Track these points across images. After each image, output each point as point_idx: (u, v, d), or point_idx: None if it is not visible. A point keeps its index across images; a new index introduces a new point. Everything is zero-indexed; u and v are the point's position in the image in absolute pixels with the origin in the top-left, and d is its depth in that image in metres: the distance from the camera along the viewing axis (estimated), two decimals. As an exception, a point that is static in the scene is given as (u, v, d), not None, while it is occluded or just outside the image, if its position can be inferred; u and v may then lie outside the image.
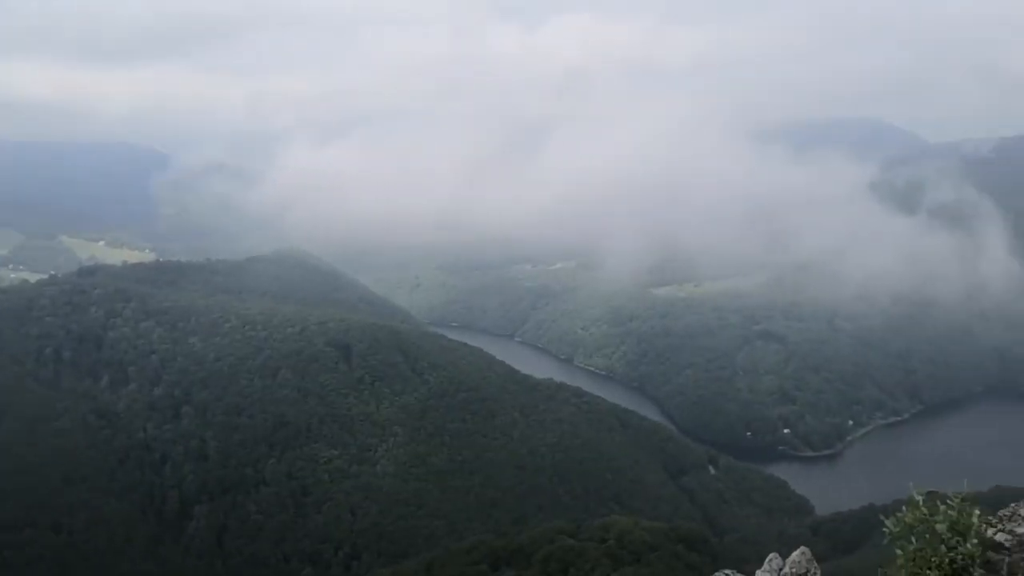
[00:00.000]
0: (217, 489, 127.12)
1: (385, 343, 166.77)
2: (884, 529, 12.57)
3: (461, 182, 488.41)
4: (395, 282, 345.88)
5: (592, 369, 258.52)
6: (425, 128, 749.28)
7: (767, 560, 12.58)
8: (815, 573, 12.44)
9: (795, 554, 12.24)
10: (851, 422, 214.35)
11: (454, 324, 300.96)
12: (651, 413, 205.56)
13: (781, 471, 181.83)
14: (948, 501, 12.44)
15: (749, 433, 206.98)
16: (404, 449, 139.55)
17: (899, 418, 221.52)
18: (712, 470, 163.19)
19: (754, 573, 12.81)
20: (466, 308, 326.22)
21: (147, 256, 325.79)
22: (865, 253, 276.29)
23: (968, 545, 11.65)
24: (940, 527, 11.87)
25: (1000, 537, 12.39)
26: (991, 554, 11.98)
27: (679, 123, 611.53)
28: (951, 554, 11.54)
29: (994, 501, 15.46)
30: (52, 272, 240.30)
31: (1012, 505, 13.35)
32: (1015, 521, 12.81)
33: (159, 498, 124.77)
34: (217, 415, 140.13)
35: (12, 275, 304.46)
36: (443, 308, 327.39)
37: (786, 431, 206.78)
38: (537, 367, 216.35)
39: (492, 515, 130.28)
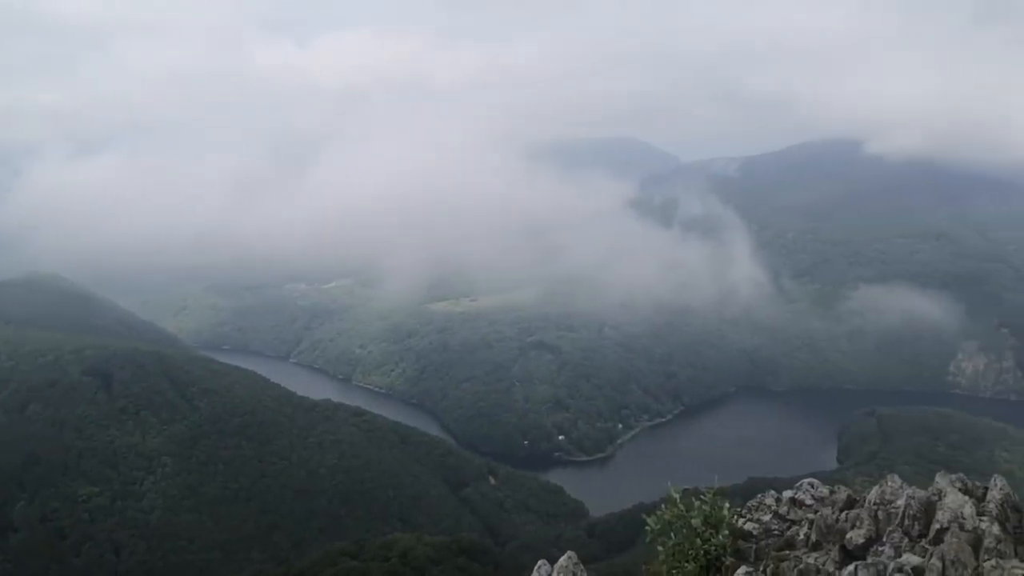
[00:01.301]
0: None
1: (150, 369, 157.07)
2: (646, 527, 13.31)
3: (229, 199, 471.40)
4: (160, 305, 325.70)
5: (371, 387, 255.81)
6: (189, 143, 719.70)
7: (536, 568, 12.91)
8: (582, 576, 12.90)
9: (562, 559, 12.64)
10: (620, 426, 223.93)
11: (225, 347, 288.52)
12: (431, 428, 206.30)
13: (557, 477, 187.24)
14: (702, 496, 13.34)
15: (526, 442, 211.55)
16: (174, 480, 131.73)
17: (663, 419, 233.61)
18: (492, 480, 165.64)
19: (527, 580, 13.11)
20: (237, 330, 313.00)
21: None
22: (628, 265, 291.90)
23: (720, 537, 12.53)
24: (695, 522, 12.69)
25: (749, 526, 13.37)
26: (741, 543, 12.91)
27: (454, 141, 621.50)
28: (705, 546, 12.35)
29: (747, 492, 16.63)
30: None
31: (759, 496, 14.47)
32: (761, 511, 13.88)
33: None
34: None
35: None
36: (213, 331, 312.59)
37: (561, 438, 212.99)
38: (314, 388, 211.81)
39: (272, 542, 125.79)
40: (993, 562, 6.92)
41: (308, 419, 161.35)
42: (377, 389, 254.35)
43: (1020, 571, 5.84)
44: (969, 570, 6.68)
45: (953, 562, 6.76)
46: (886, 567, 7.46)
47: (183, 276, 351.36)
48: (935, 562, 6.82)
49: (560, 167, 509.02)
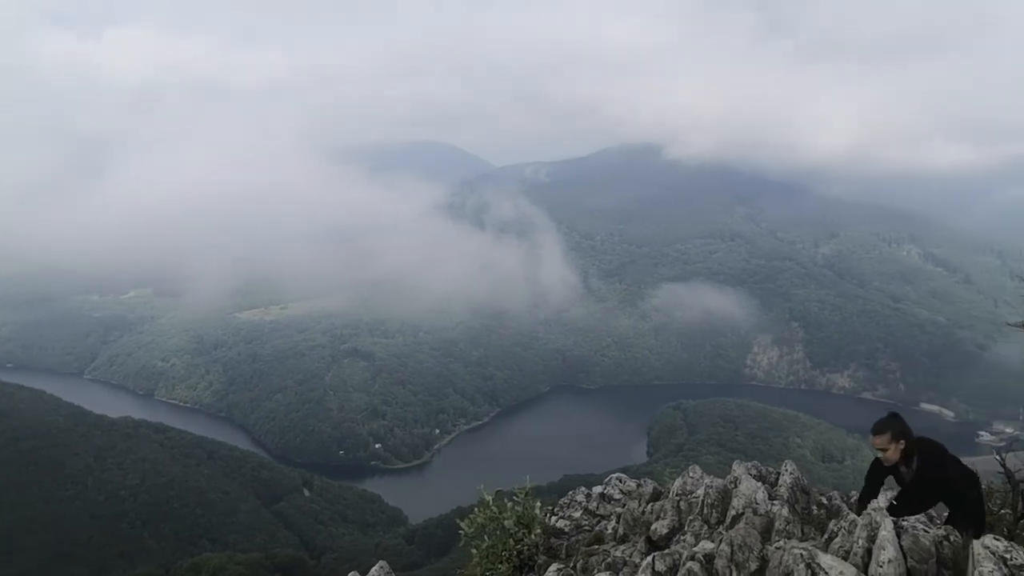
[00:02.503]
0: None
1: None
2: (460, 531, 13.26)
3: (12, 204, 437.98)
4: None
5: (176, 402, 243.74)
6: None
7: (346, 580, 12.64)
8: (396, 583, 12.71)
9: (374, 569, 12.39)
10: (437, 431, 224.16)
11: (9, 365, 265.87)
12: (242, 442, 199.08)
13: (374, 486, 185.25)
14: (515, 497, 13.43)
15: (342, 451, 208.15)
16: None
17: (480, 422, 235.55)
18: (307, 493, 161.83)
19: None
20: (22, 347, 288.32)
21: None
22: (441, 269, 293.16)
23: (532, 536, 12.63)
24: (508, 523, 12.74)
25: (561, 524, 13.56)
26: (553, 540, 13.07)
27: (260, 143, 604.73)
28: (518, 546, 12.42)
29: (563, 490, 16.89)
30: None
31: (570, 493, 14.72)
32: (572, 508, 14.11)
33: None
34: None
35: None
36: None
37: (377, 446, 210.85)
38: (113, 406, 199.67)
39: (67, 572, 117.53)
40: (780, 542, 7.27)
41: (106, 439, 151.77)
42: (183, 404, 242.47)
43: (798, 550, 6.16)
44: (755, 552, 7.00)
45: (741, 546, 7.06)
46: (681, 555, 7.70)
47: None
48: (724, 547, 7.14)
49: (371, 171, 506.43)
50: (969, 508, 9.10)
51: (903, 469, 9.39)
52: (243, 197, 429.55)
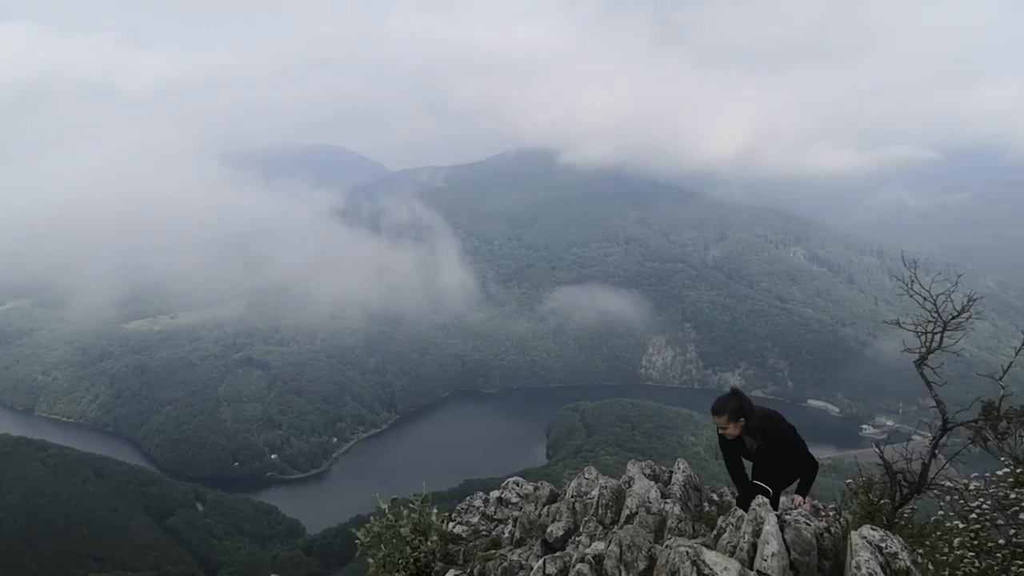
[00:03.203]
0: None
1: None
2: (356, 541, 13.10)
3: None
4: None
5: (59, 417, 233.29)
6: None
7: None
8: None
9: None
10: (335, 439, 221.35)
11: None
12: (131, 456, 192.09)
13: (271, 497, 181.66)
14: (411, 504, 13.34)
15: (237, 463, 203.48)
16: None
17: (379, 430, 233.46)
18: (200, 507, 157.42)
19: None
20: None
21: None
22: (337, 275, 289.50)
23: (429, 543, 12.58)
24: (404, 530, 12.66)
25: (458, 529, 13.52)
26: (451, 546, 13.03)
27: (150, 147, 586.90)
28: (415, 553, 12.35)
29: (463, 495, 16.85)
30: None
31: (468, 498, 14.71)
32: (470, 513, 14.10)
33: None
34: None
35: None
36: None
37: (273, 456, 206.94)
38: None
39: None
40: (671, 540, 7.43)
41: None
42: (66, 419, 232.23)
43: (684, 547, 6.33)
44: (644, 552, 7.15)
45: (629, 546, 7.20)
46: (572, 557, 7.79)
47: None
48: (613, 548, 7.29)
49: (263, 175, 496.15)
50: (807, 470, 10.11)
51: (749, 441, 9.91)
52: (132, 202, 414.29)
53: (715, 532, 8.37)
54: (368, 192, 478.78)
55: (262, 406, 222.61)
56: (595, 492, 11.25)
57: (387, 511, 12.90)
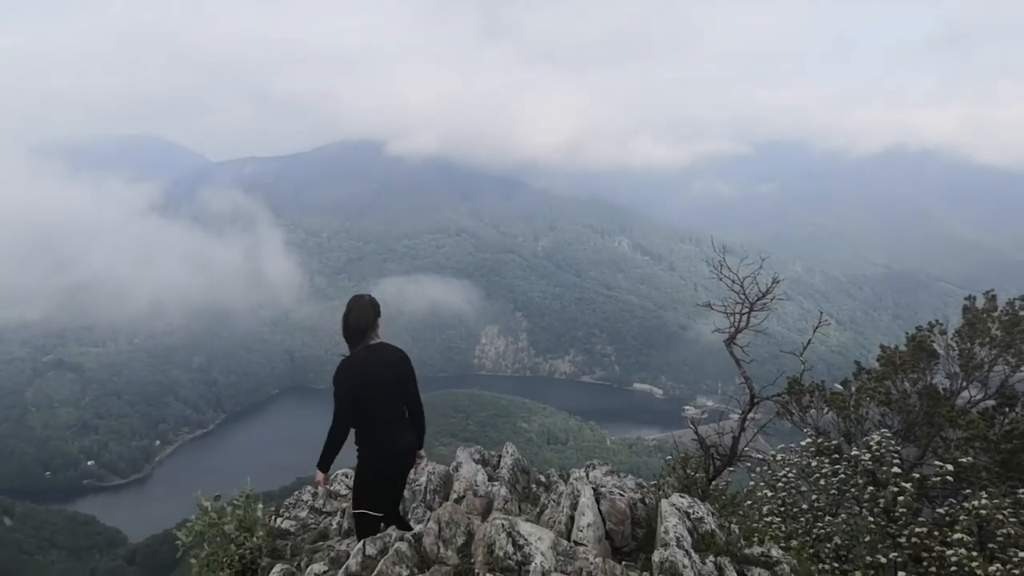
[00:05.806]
0: None
1: None
2: (177, 542, 12.69)
3: None
4: None
5: None
6: None
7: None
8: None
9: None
10: (158, 442, 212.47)
11: None
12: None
13: (89, 506, 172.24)
14: (235, 501, 13.03)
15: (48, 473, 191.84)
16: None
17: (205, 430, 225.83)
18: (8, 521, 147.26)
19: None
20: None
21: None
22: (157, 271, 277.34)
23: (255, 539, 12.34)
24: (228, 528, 12.37)
25: (286, 524, 13.31)
26: (278, 542, 12.81)
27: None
28: (240, 551, 12.09)
29: (295, 492, 16.59)
30: None
31: (296, 493, 14.51)
32: (299, 507, 13.89)
33: None
34: None
35: None
36: None
37: (90, 463, 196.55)
38: None
39: None
40: (495, 515, 7.68)
41: None
42: None
43: (500, 520, 6.61)
44: (462, 528, 7.34)
45: (448, 523, 7.39)
46: (391, 537, 7.90)
47: None
48: (432, 526, 7.47)
49: (72, 168, 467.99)
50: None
51: None
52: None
53: (538, 509, 8.65)
54: (189, 184, 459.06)
55: (76, 411, 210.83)
56: (423, 479, 11.37)
57: (209, 509, 12.55)
